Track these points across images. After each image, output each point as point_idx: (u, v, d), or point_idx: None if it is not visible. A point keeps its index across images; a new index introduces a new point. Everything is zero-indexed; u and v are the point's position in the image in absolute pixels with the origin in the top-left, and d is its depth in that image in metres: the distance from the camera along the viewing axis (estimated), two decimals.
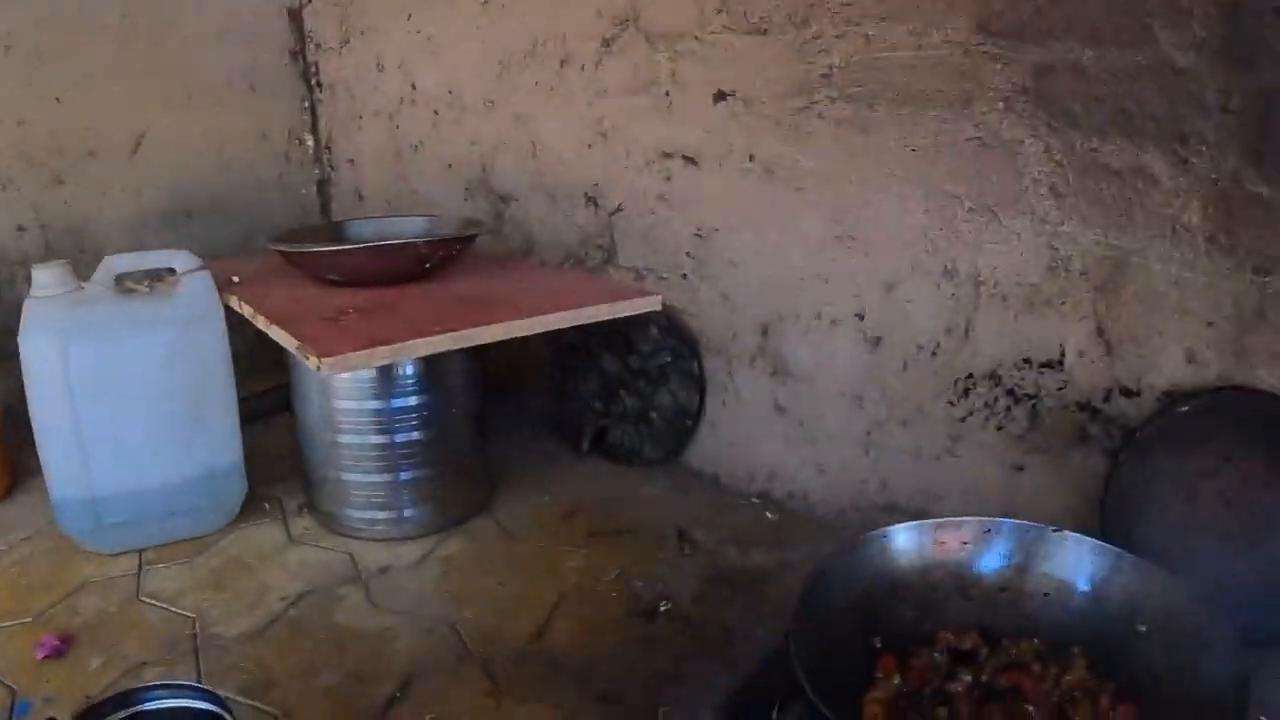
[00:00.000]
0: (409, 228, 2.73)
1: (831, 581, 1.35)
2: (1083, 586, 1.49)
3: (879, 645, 1.37)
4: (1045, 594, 1.49)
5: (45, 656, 2.02)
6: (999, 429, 2.32)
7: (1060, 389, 2.22)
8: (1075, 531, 1.55)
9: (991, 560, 1.52)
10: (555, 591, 2.26)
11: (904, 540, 1.48)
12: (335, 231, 2.84)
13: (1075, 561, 1.51)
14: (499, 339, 2.15)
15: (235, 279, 2.47)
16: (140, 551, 2.43)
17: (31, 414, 2.33)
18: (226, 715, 1.41)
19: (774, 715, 1.16)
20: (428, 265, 2.44)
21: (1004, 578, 1.51)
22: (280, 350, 2.17)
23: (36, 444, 2.36)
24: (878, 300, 2.41)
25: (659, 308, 2.46)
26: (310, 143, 3.56)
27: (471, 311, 2.21)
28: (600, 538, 2.52)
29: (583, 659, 2.00)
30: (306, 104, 3.54)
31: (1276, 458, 1.99)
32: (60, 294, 2.29)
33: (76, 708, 1.48)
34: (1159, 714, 1.25)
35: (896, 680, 1.31)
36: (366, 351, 1.93)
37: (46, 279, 2.29)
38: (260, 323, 2.19)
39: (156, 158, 3.33)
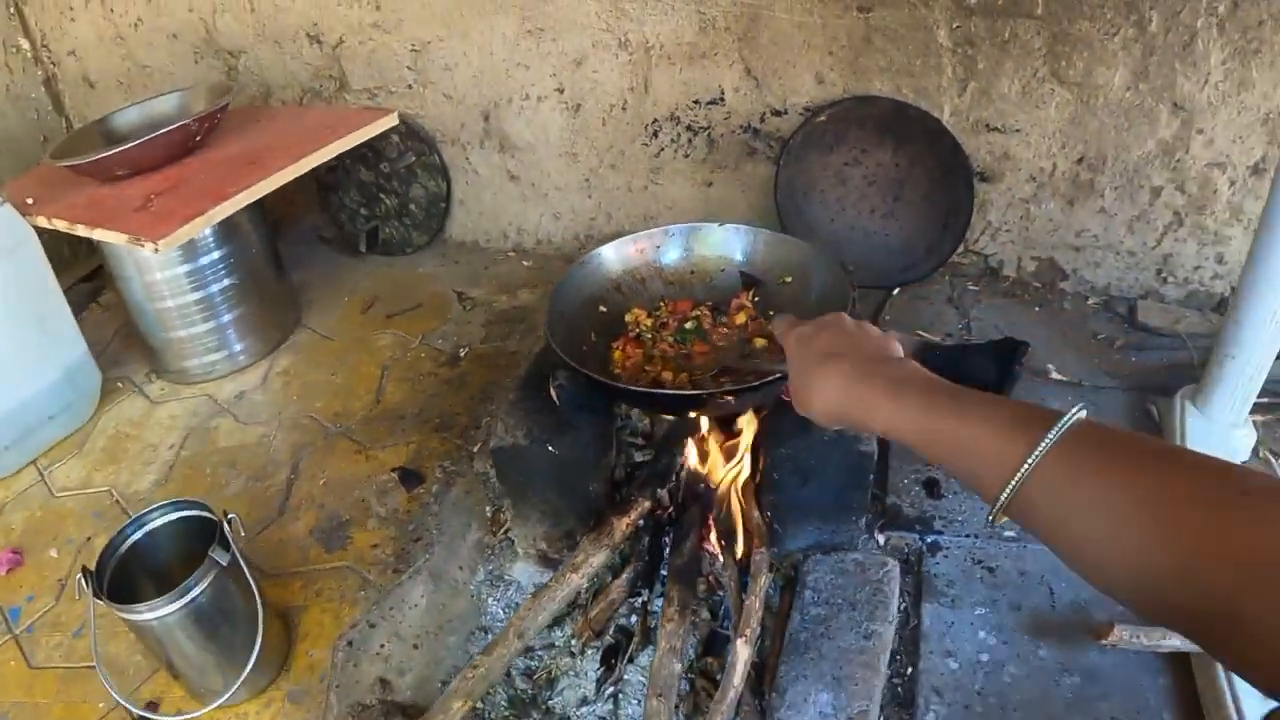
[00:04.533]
0: (166, 107, 3.11)
1: (566, 291, 2.06)
2: (739, 258, 2.16)
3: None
4: (722, 270, 2.18)
5: (9, 570, 2.50)
6: (686, 156, 3.13)
7: (726, 118, 3.02)
8: (752, 221, 2.19)
9: (676, 254, 2.20)
10: (378, 366, 3.01)
11: (610, 254, 2.16)
12: (102, 130, 3.12)
13: (733, 244, 2.17)
14: (280, 185, 2.69)
15: (30, 200, 2.75)
16: (34, 462, 2.89)
17: None
18: (206, 511, 2.02)
19: (550, 383, 1.94)
20: (198, 138, 2.89)
21: (689, 263, 2.20)
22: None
23: None
24: (571, 75, 3.11)
25: (397, 122, 3.07)
26: (26, 45, 3.75)
27: (251, 168, 2.70)
28: (398, 317, 3.27)
29: (415, 407, 2.79)
30: (11, 8, 3.70)
31: (897, 144, 2.84)
32: None
33: (98, 552, 1.92)
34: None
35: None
36: (188, 226, 2.44)
37: None
38: (81, 230, 2.60)
39: None
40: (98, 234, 2.56)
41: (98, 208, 2.67)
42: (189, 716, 2.02)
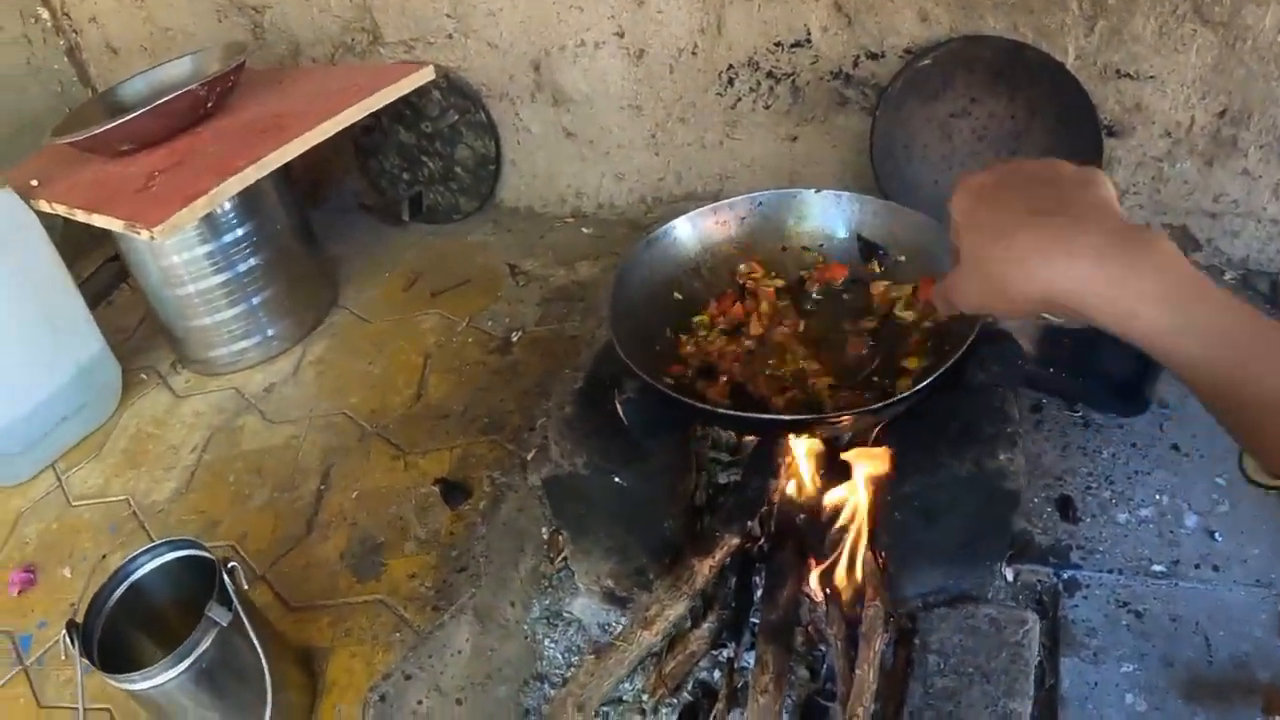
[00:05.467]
0: (178, 73, 2.87)
1: (633, 277, 1.69)
2: (843, 234, 1.78)
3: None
4: (820, 245, 1.79)
5: (21, 591, 2.37)
6: (767, 108, 2.79)
7: (813, 63, 2.67)
8: (843, 185, 1.88)
9: (765, 227, 1.81)
10: (419, 355, 2.74)
11: (687, 230, 1.78)
12: (108, 101, 2.93)
13: (834, 215, 1.79)
14: (299, 153, 2.44)
15: (34, 183, 2.61)
16: (52, 465, 2.74)
17: None
18: (203, 551, 1.77)
19: (616, 397, 1.59)
20: (210, 105, 2.67)
21: (781, 238, 1.81)
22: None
23: None
24: (632, 17, 2.78)
25: (433, 76, 2.77)
26: (46, 15, 3.55)
27: (266, 136, 2.47)
28: (443, 295, 2.99)
29: (460, 403, 2.51)
30: None
31: (1013, 92, 2.48)
32: None
33: (84, 605, 1.74)
34: None
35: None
36: (188, 209, 2.22)
37: None
38: (80, 216, 2.40)
39: None
40: (95, 219, 2.36)
41: (99, 189, 2.48)
42: None
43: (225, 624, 1.61)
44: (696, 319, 1.70)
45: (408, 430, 2.47)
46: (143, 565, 1.78)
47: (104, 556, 2.36)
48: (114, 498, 2.56)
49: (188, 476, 2.54)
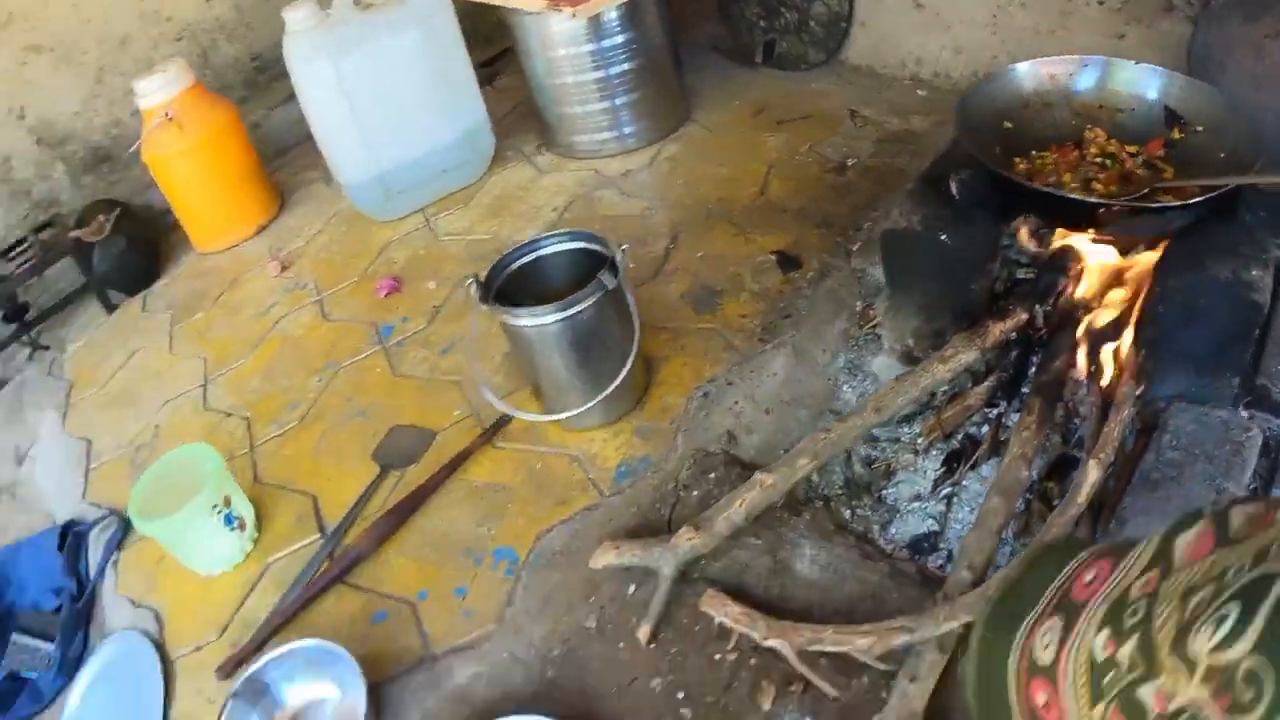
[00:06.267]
0: None
1: (978, 100, 2.17)
2: (1154, 99, 2.18)
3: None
4: (1132, 109, 2.21)
5: (388, 294, 2.89)
6: (1101, 3, 3.01)
7: None
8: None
9: (1088, 84, 2.25)
10: (764, 164, 3.11)
11: (1023, 73, 2.24)
12: None
13: (1148, 83, 2.19)
14: None
15: None
16: (422, 210, 3.29)
17: (314, 126, 3.10)
18: (598, 245, 2.19)
19: (952, 176, 2.01)
20: None
21: (1098, 97, 2.24)
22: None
23: (321, 148, 3.15)
24: None
25: None
26: None
27: None
28: (787, 124, 3.34)
29: (797, 204, 2.87)
30: None
31: None
32: (314, 25, 2.91)
33: (489, 266, 2.21)
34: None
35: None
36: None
37: (299, 15, 2.88)
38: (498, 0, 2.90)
39: None
40: (513, 2, 2.82)
41: None
42: (544, 418, 2.26)
43: (610, 288, 2.01)
44: (1035, 153, 2.13)
45: (749, 216, 2.83)
46: (546, 245, 2.23)
47: (464, 277, 2.76)
48: (478, 236, 3.05)
49: (548, 226, 2.99)
